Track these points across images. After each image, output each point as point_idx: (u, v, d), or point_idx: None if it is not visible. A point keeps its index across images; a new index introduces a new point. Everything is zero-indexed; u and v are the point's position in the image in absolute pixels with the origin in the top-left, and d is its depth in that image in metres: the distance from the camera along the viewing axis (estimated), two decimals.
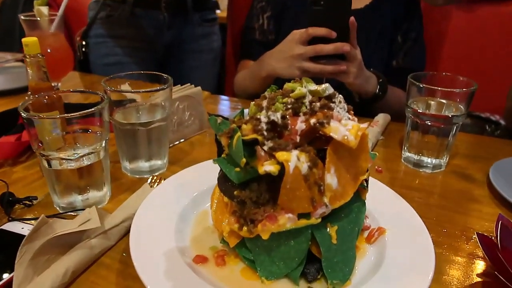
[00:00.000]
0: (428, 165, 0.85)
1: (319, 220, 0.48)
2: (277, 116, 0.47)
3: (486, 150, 0.97)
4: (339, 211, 0.51)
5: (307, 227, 0.49)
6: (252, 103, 0.53)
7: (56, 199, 0.68)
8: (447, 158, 0.86)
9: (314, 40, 0.99)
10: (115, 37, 1.49)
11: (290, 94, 0.50)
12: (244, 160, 0.46)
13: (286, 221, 0.48)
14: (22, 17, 1.07)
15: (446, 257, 0.61)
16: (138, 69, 1.42)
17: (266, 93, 0.54)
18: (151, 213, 0.62)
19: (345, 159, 0.48)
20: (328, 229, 0.50)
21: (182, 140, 0.96)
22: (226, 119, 0.57)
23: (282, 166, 0.45)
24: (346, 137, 0.46)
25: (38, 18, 1.07)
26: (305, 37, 1.00)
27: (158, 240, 0.57)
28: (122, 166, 0.81)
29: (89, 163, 0.67)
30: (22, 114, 0.61)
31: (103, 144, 0.68)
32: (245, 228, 0.50)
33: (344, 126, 0.47)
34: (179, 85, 0.98)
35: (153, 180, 0.76)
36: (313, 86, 0.51)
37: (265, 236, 0.49)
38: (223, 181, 0.53)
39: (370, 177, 0.57)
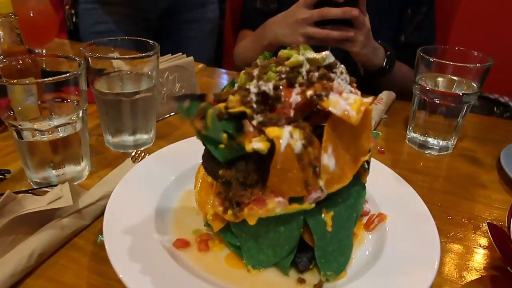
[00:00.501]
0: (434, 147, 0.80)
1: (313, 205, 0.43)
2: (268, 87, 0.41)
3: (496, 133, 0.91)
4: (336, 195, 0.45)
5: (299, 213, 0.44)
6: (242, 71, 0.47)
7: (29, 173, 0.63)
8: (455, 140, 0.80)
9: (320, 5, 0.93)
10: (106, 3, 1.40)
11: (285, 62, 0.44)
12: (225, 135, 0.40)
13: (276, 205, 0.42)
14: None
15: (451, 247, 0.56)
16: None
17: (258, 61, 0.47)
18: (131, 191, 0.56)
19: (345, 138, 0.43)
20: (323, 215, 0.45)
21: (172, 114, 0.90)
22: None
23: (272, 143, 0.39)
24: (347, 112, 0.40)
25: None
26: (310, 0, 0.93)
27: (136, 221, 0.51)
28: (105, 139, 0.75)
29: (64, 135, 0.61)
30: None
31: (80, 115, 0.62)
32: (230, 212, 0.45)
33: (345, 100, 0.41)
34: (170, 54, 0.91)
35: (136, 155, 0.70)
36: (312, 54, 0.45)
37: (251, 222, 0.44)
38: (207, 158, 0.48)
39: (371, 158, 0.51)
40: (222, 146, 0.42)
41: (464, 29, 1.41)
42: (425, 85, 0.76)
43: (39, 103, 0.62)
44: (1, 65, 0.60)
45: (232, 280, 0.46)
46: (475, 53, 0.77)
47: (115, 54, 0.73)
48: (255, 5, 1.27)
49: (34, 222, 0.51)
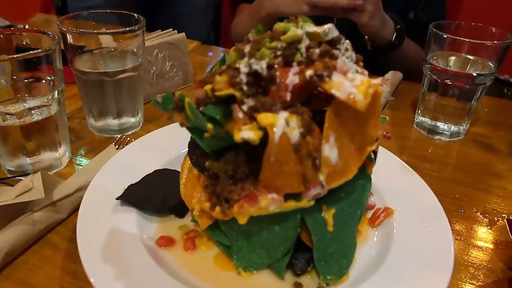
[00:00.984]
0: (445, 132, 0.74)
1: (312, 202, 0.37)
2: (261, 66, 0.35)
3: (510, 117, 0.85)
4: (338, 190, 0.39)
5: (296, 211, 0.39)
6: (232, 48, 0.41)
7: (2, 161, 0.57)
8: (467, 125, 0.75)
9: None
10: None
11: (281, 37, 0.38)
12: (210, 126, 0.35)
13: (269, 202, 0.37)
14: None
15: (464, 244, 0.51)
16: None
17: (249, 35, 0.41)
18: (111, 181, 0.51)
19: (349, 125, 0.37)
20: (323, 213, 0.40)
21: (162, 95, 0.83)
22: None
23: (265, 132, 0.34)
24: (352, 96, 0.34)
25: None
26: None
27: (115, 216, 0.46)
28: (87, 123, 0.70)
29: (39, 118, 0.56)
30: None
31: (56, 96, 0.56)
32: (218, 209, 0.39)
33: (350, 81, 0.35)
34: (159, 30, 0.84)
35: (121, 140, 0.65)
36: (312, 27, 0.39)
37: (242, 220, 0.38)
38: (193, 147, 0.42)
39: None
40: (207, 134, 0.37)
41: (475, 5, 1.33)
42: (437, 64, 0.70)
43: (12, 83, 0.56)
44: None
45: (221, 284, 0.41)
46: (493, 29, 0.70)
47: (97, 30, 0.66)
48: None
49: (1, 216, 0.46)
